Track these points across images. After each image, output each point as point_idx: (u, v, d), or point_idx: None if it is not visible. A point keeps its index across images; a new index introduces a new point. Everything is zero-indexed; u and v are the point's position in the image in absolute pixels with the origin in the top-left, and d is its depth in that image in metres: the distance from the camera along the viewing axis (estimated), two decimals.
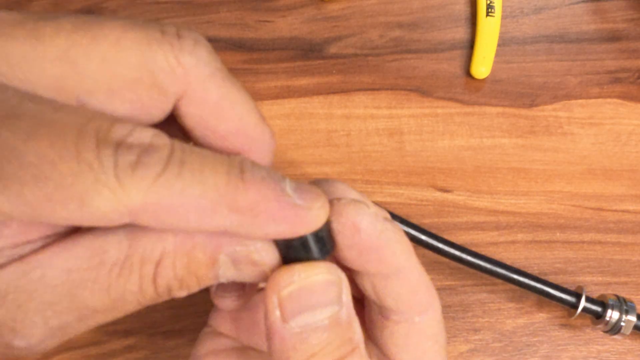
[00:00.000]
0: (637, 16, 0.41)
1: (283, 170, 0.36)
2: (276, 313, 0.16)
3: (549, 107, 0.38)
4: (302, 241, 0.16)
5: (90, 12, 0.42)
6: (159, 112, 0.16)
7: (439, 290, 0.33)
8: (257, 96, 0.38)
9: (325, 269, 0.16)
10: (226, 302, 0.20)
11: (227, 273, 0.16)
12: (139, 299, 0.16)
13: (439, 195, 0.35)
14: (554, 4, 0.42)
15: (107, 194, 0.13)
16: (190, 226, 0.14)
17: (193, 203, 0.14)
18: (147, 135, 0.14)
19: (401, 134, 0.37)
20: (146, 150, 0.14)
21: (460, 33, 0.41)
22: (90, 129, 0.14)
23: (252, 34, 0.41)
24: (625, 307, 0.30)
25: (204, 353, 0.22)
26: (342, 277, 0.16)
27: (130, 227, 0.15)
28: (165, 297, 0.16)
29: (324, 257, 0.16)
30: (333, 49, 0.40)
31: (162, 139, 0.14)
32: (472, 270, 0.30)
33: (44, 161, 0.13)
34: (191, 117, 0.16)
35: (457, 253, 0.29)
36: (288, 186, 0.15)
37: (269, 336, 0.16)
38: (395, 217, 0.29)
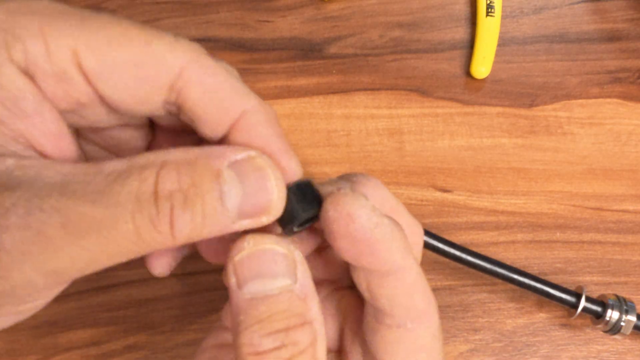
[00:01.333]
0: (637, 16, 0.41)
1: None
2: (232, 279, 0.16)
3: (549, 107, 0.38)
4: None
5: None
6: (156, 85, 0.16)
7: (439, 290, 0.33)
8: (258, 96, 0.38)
9: (274, 240, 0.16)
10: None
11: (233, 192, 0.15)
12: (135, 218, 0.14)
13: (439, 195, 0.35)
14: (554, 4, 0.42)
15: (167, 41, 0.16)
16: (213, 106, 0.17)
17: (224, 87, 0.17)
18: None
19: (401, 134, 0.37)
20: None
21: (460, 33, 0.41)
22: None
23: (252, 34, 0.41)
24: (625, 307, 0.30)
25: (209, 346, 0.22)
26: (296, 253, 0.17)
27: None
28: (167, 225, 0.14)
29: (288, 225, 0.17)
30: (333, 49, 0.40)
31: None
32: (472, 270, 0.30)
33: (120, 22, 0.15)
34: (189, 93, 0.16)
35: (457, 253, 0.29)
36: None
37: (230, 302, 0.16)
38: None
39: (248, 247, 0.16)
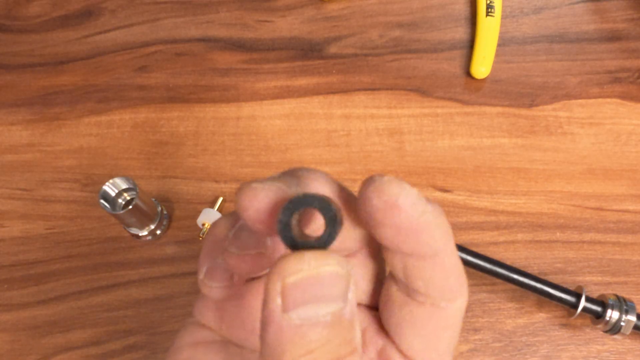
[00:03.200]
0: (637, 16, 0.41)
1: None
2: (277, 301, 0.15)
3: (549, 107, 0.38)
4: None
5: (90, 12, 0.42)
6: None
7: None
8: (257, 96, 0.38)
9: (336, 260, 0.15)
10: (213, 291, 0.19)
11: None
12: None
13: (438, 195, 0.35)
14: (554, 4, 0.42)
15: None
16: None
17: None
18: None
19: (401, 134, 0.37)
20: None
21: (460, 33, 0.41)
22: None
23: (252, 34, 0.41)
24: (625, 307, 0.30)
25: (184, 344, 0.21)
26: (352, 272, 0.16)
27: None
28: None
29: (329, 244, 0.16)
30: (333, 49, 0.40)
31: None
32: (472, 270, 0.30)
33: None
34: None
35: (457, 253, 0.29)
36: None
37: (264, 325, 0.15)
38: None
39: (307, 268, 0.15)
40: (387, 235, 0.16)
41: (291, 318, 0.15)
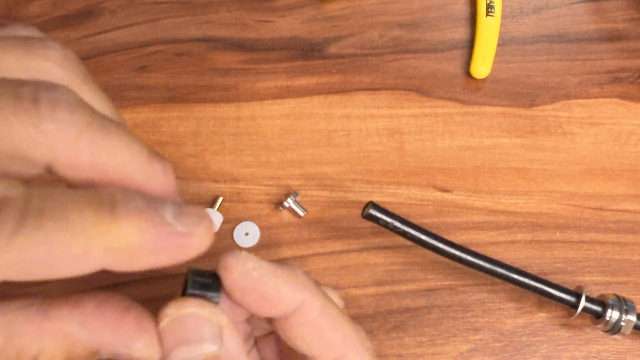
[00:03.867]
0: (637, 16, 0.41)
1: (283, 170, 0.36)
2: (157, 348, 0.16)
3: (549, 107, 0.38)
4: (194, 277, 0.17)
5: (90, 12, 0.42)
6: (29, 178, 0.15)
7: (439, 290, 0.33)
8: (257, 96, 0.38)
9: (195, 303, 0.16)
10: None
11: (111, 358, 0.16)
12: None
13: (438, 195, 0.35)
14: (554, 4, 0.42)
15: None
16: (64, 274, 0.14)
17: (61, 251, 0.13)
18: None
19: (401, 133, 0.37)
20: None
21: (460, 33, 0.41)
22: None
23: (252, 34, 0.41)
24: (625, 307, 0.30)
25: None
26: (221, 317, 0.17)
27: (8, 320, 0.15)
28: None
29: (214, 295, 0.17)
30: (333, 49, 0.40)
31: (16, 189, 0.13)
32: (472, 270, 0.30)
33: None
34: (71, 177, 0.15)
35: (457, 253, 0.29)
36: (168, 213, 0.14)
37: None
38: (395, 217, 0.29)
39: (171, 313, 0.16)
40: (240, 301, 0.17)
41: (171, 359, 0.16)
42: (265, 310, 0.18)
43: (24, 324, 0.15)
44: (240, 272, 0.17)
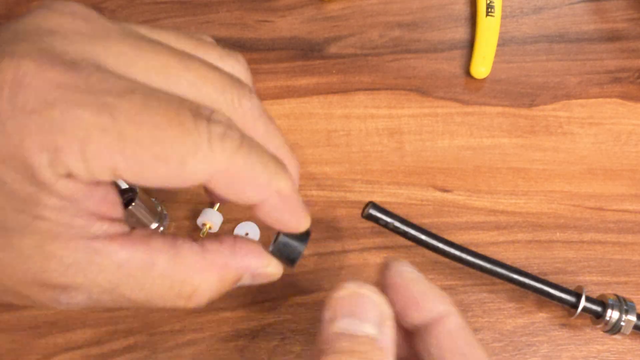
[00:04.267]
0: (637, 16, 0.41)
1: None
2: (328, 313, 0.20)
3: (549, 107, 0.38)
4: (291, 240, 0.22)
5: None
6: (186, 185, 0.18)
7: None
8: (257, 96, 0.38)
9: (373, 290, 0.20)
10: None
11: (244, 283, 0.21)
12: (170, 303, 0.19)
13: (438, 195, 0.35)
14: (554, 4, 0.42)
15: (201, 156, 0.17)
16: (245, 197, 0.19)
17: (255, 177, 0.18)
18: (225, 117, 0.18)
19: (401, 133, 0.37)
20: (229, 126, 0.18)
21: (460, 33, 0.41)
22: (186, 105, 0.17)
23: (252, 34, 0.41)
24: (625, 307, 0.30)
25: None
26: (388, 308, 0.19)
27: (178, 251, 0.19)
28: (185, 308, 0.20)
29: (293, 263, 0.22)
30: (333, 49, 0.40)
31: (234, 123, 0.18)
32: (472, 270, 0.30)
33: (156, 127, 0.16)
34: (216, 188, 0.18)
35: (457, 253, 0.29)
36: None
37: (319, 331, 0.20)
38: (395, 217, 0.29)
39: (349, 288, 0.19)
40: (391, 298, 0.20)
41: (333, 326, 0.19)
42: (411, 312, 0.20)
43: (191, 256, 0.19)
44: (397, 271, 0.21)
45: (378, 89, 0.39)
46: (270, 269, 0.21)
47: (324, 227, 0.34)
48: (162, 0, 0.43)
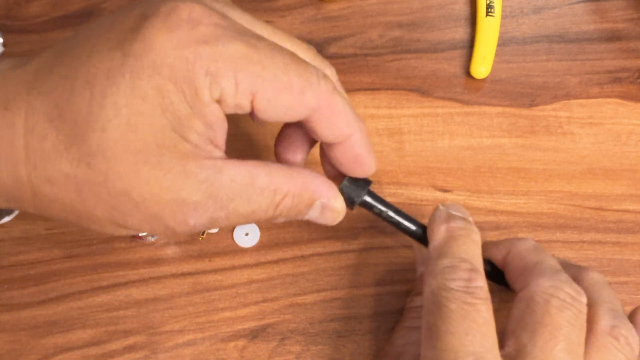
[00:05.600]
0: (637, 16, 0.41)
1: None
2: (441, 209, 0.27)
3: (549, 107, 0.38)
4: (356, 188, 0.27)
5: (90, 12, 0.42)
6: (299, 116, 0.23)
7: None
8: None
9: (459, 207, 0.27)
10: None
11: (313, 214, 0.25)
12: (263, 213, 0.23)
13: (438, 195, 0.35)
14: (553, 4, 0.42)
15: (313, 89, 0.22)
16: (339, 130, 0.24)
17: (346, 113, 0.24)
18: (323, 69, 0.24)
19: (401, 134, 0.37)
20: (329, 74, 0.25)
21: (460, 33, 0.41)
22: (299, 58, 0.23)
23: None
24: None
25: (403, 327, 0.29)
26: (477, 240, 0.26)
27: (270, 167, 0.23)
28: (273, 219, 0.24)
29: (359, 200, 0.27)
30: (333, 49, 0.40)
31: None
32: None
33: (284, 63, 0.22)
34: (318, 121, 0.24)
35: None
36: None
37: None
38: (389, 206, 0.28)
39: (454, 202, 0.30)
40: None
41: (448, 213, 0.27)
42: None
43: (280, 171, 0.24)
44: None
45: (378, 89, 0.39)
46: (338, 203, 0.25)
47: (324, 227, 0.34)
48: None
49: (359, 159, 0.25)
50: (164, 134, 0.21)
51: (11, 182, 0.21)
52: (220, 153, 0.23)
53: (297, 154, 0.27)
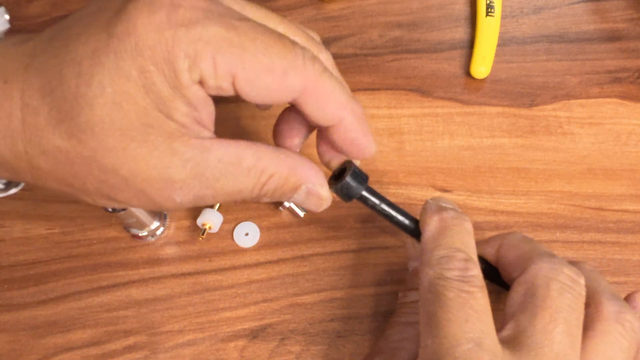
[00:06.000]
0: (637, 16, 0.41)
1: None
2: (431, 202, 0.27)
3: (549, 107, 0.38)
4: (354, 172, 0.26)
5: None
6: (284, 98, 0.23)
7: None
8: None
9: (450, 203, 0.27)
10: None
11: (298, 198, 0.25)
12: (248, 193, 0.24)
13: (438, 195, 0.35)
14: (553, 4, 0.42)
15: (298, 70, 0.22)
16: (329, 112, 0.24)
17: (337, 95, 0.23)
18: (314, 52, 0.24)
19: (401, 134, 0.37)
20: (324, 58, 0.25)
21: (460, 33, 0.41)
22: (285, 36, 0.23)
23: None
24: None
25: (398, 322, 0.29)
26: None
27: (258, 148, 0.24)
28: (258, 198, 0.25)
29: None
30: (333, 49, 0.40)
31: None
32: None
33: (266, 44, 0.22)
34: (306, 104, 0.24)
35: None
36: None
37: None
38: (383, 199, 0.28)
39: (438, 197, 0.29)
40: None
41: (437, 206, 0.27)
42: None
43: (268, 152, 0.24)
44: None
45: (378, 89, 0.39)
46: (323, 191, 0.25)
47: (324, 227, 0.34)
48: None
49: (355, 142, 0.25)
50: (148, 113, 0.21)
51: (9, 153, 0.22)
52: (208, 133, 0.23)
53: (294, 138, 0.27)
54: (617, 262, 0.34)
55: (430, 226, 0.26)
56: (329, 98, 0.23)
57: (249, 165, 0.23)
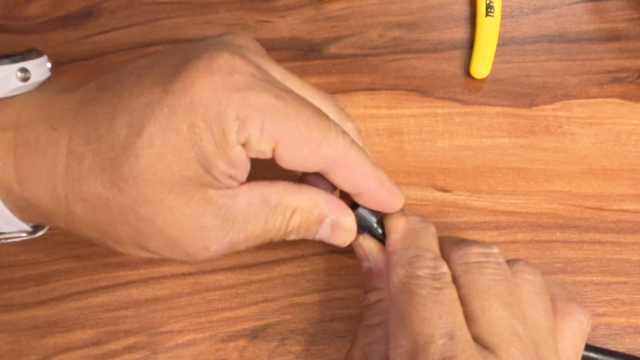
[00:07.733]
0: (637, 16, 0.41)
1: (283, 171, 0.36)
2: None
3: (549, 107, 0.38)
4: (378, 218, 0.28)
5: (89, 12, 0.42)
6: (316, 167, 0.25)
7: None
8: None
9: (417, 218, 0.28)
10: None
11: (324, 233, 0.26)
12: (276, 231, 0.25)
13: (438, 195, 0.35)
14: (553, 4, 0.42)
15: (330, 143, 0.24)
16: (355, 181, 0.25)
17: (362, 165, 0.25)
18: (342, 122, 0.27)
19: (401, 134, 0.37)
20: (349, 128, 0.27)
21: (459, 33, 0.41)
22: (321, 110, 0.25)
23: (252, 34, 0.41)
24: None
25: (363, 344, 0.29)
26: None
27: (281, 185, 0.25)
28: (285, 236, 0.26)
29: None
30: (333, 49, 0.40)
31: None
32: None
33: (307, 116, 0.23)
34: (335, 174, 0.25)
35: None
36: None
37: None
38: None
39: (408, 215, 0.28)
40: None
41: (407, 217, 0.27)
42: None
43: (292, 189, 0.25)
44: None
45: (378, 89, 0.39)
46: (347, 222, 0.26)
47: None
48: (162, 1, 0.43)
49: (382, 203, 0.27)
50: (190, 166, 0.22)
51: (48, 198, 0.23)
52: (236, 184, 0.24)
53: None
54: (617, 262, 0.34)
55: (398, 227, 0.27)
56: (355, 170, 0.25)
57: (275, 203, 0.24)
